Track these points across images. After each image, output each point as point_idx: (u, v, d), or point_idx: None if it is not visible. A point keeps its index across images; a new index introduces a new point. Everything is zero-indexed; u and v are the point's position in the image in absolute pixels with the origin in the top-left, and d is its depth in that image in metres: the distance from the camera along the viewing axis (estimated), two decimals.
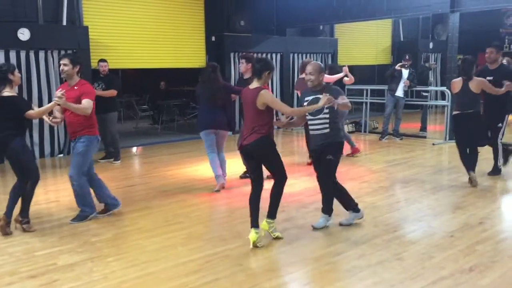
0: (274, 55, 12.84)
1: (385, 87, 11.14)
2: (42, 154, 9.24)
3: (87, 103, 5.28)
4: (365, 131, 11.87)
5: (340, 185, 5.27)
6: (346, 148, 8.27)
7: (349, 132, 11.83)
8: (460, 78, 6.73)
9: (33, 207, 5.94)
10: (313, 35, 14.08)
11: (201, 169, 7.90)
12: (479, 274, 3.97)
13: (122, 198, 6.39)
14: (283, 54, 12.94)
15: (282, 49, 12.94)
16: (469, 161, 6.73)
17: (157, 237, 4.95)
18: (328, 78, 7.57)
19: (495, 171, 7.19)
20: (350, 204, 5.23)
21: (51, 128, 9.26)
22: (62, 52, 9.07)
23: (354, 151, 8.97)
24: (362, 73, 17.47)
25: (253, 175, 4.81)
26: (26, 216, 5.21)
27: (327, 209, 5.16)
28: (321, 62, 13.99)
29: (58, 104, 5.15)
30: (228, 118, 6.70)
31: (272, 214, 4.79)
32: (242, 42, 12.01)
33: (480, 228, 5.11)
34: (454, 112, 6.85)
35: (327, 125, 4.88)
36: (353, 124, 12.24)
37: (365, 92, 12.05)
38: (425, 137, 10.93)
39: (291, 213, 5.63)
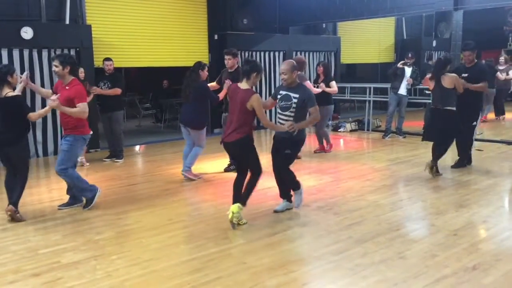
0: (277, 54, 12.83)
1: (388, 85, 11.10)
2: (45, 153, 9.26)
3: (82, 107, 5.52)
4: (368, 130, 11.85)
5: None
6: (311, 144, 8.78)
7: (352, 131, 11.88)
8: (431, 75, 7.12)
9: (37, 206, 5.99)
10: (316, 33, 14.07)
11: (203, 167, 7.91)
12: (483, 272, 3.96)
13: (125, 197, 6.43)
14: (286, 52, 12.92)
15: (285, 48, 12.92)
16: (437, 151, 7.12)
17: (160, 235, 4.96)
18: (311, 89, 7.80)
19: (465, 161, 7.62)
20: (288, 195, 5.62)
21: (54, 127, 9.28)
22: (65, 51, 9.12)
23: (321, 148, 9.20)
24: (365, 71, 17.49)
25: (237, 165, 5.36)
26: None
27: (284, 194, 5.60)
28: (324, 60, 14.00)
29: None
30: (195, 116, 6.98)
31: (244, 201, 5.13)
32: (245, 40, 12.01)
33: (483, 227, 5.10)
34: (431, 106, 7.28)
35: (291, 122, 5.18)
36: (356, 123, 12.24)
37: (368, 90, 12.03)
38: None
39: (293, 211, 5.63)
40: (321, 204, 5.88)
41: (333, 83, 8.93)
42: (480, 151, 8.69)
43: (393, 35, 16.48)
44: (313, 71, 13.67)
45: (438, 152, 7.12)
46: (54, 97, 5.41)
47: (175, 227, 5.21)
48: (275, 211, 5.56)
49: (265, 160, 5.70)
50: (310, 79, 11.23)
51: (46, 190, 6.86)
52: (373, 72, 16.48)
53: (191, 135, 7.13)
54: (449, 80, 6.86)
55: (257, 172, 5.16)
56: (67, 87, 5.57)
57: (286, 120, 5.24)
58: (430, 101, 7.65)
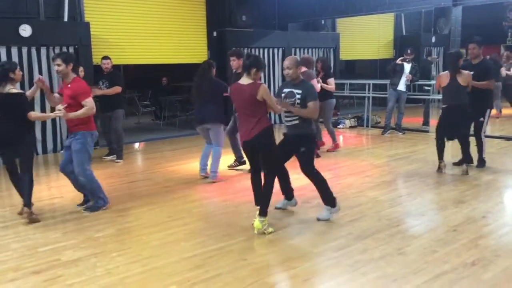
0: (276, 50, 12.82)
1: (387, 81, 11.10)
2: (45, 150, 9.26)
3: (89, 103, 5.42)
4: (367, 126, 11.86)
5: (287, 172, 5.46)
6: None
7: (351, 127, 11.89)
8: (447, 72, 6.94)
9: (37, 204, 5.97)
10: (315, 29, 14.05)
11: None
12: (482, 268, 3.97)
13: (125, 194, 6.43)
14: (285, 49, 12.91)
15: (284, 44, 12.91)
16: (443, 151, 7.10)
17: (160, 232, 4.96)
18: (317, 87, 7.96)
19: (481, 163, 7.40)
20: (288, 194, 5.56)
21: (53, 124, 9.29)
22: (64, 49, 9.11)
23: (336, 146, 9.14)
24: (364, 67, 17.48)
25: (254, 168, 5.11)
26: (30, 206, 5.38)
27: (327, 200, 5.26)
28: (323, 56, 13.98)
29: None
30: (214, 111, 6.81)
31: (265, 211, 4.88)
32: (244, 37, 11.99)
33: (482, 222, 5.11)
34: (443, 106, 7.12)
35: (296, 117, 5.08)
36: (356, 119, 12.24)
37: (367, 86, 12.03)
38: (427, 131, 10.88)
39: (293, 208, 5.63)
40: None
41: (331, 80, 8.89)
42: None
43: (392, 31, 16.47)
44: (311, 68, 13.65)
45: (464, 148, 7.06)
46: (60, 106, 5.31)
47: (175, 224, 5.22)
48: (276, 208, 5.52)
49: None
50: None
51: (45, 188, 6.86)
52: (372, 69, 16.45)
53: (210, 132, 6.90)
54: (465, 77, 6.75)
55: (272, 173, 5.00)
56: (69, 85, 5.47)
57: (292, 116, 5.10)
58: (442, 98, 7.37)
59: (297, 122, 5.09)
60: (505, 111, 12.98)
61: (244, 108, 4.93)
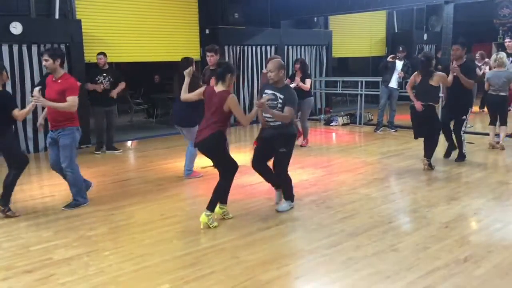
0: (268, 48, 12.80)
1: (379, 79, 11.12)
2: (36, 149, 9.20)
3: (71, 101, 5.44)
4: (360, 123, 11.88)
5: (267, 169, 5.57)
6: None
7: (344, 124, 11.91)
8: (418, 72, 7.23)
9: (28, 202, 5.96)
10: (307, 27, 14.04)
11: (196, 162, 7.88)
12: (474, 264, 4.00)
13: (117, 192, 6.41)
14: (277, 46, 12.90)
15: (276, 42, 12.90)
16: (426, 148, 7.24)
17: (153, 230, 4.95)
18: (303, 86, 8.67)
19: (461, 157, 7.66)
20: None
21: (46, 122, 9.19)
22: (55, 46, 9.06)
23: (307, 142, 9.36)
24: (356, 65, 17.51)
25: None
26: (7, 204, 5.43)
27: (288, 196, 5.49)
28: (316, 54, 14.01)
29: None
30: (187, 114, 6.76)
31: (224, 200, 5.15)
32: (237, 34, 11.97)
33: (474, 219, 5.14)
34: (411, 104, 7.25)
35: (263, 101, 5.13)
36: (348, 116, 12.26)
37: (359, 84, 12.05)
38: None
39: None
40: (314, 198, 5.90)
41: (308, 81, 9.09)
42: (471, 144, 8.74)
43: (384, 28, 16.51)
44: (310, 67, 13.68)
45: (430, 148, 7.19)
46: (35, 92, 5.28)
47: (168, 222, 5.20)
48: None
49: (243, 156, 5.67)
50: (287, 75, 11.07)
51: (37, 187, 6.82)
52: (364, 66, 16.50)
53: (185, 133, 6.98)
54: (437, 78, 6.96)
55: (226, 170, 5.06)
56: (59, 81, 5.50)
57: (271, 119, 5.21)
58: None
59: (280, 122, 5.19)
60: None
61: (208, 110, 5.01)
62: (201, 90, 5.18)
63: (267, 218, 5.22)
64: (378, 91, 11.23)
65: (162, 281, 3.80)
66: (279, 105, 5.17)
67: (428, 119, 7.07)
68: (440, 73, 7.15)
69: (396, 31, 16.48)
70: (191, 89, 5.43)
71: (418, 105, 6.97)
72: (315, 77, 14.00)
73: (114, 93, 8.82)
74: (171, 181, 6.96)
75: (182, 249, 4.43)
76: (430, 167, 7.17)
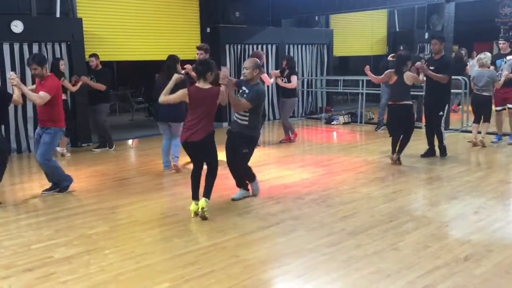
0: (269, 46, 12.80)
1: None
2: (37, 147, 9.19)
3: (41, 96, 5.88)
4: (361, 122, 11.88)
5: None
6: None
7: (345, 123, 11.90)
8: (393, 71, 7.43)
9: (29, 201, 5.96)
10: (308, 26, 14.03)
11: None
12: (474, 263, 3.99)
13: (118, 191, 6.41)
14: (278, 45, 12.90)
15: (277, 40, 12.89)
16: (395, 145, 7.45)
17: (154, 229, 4.95)
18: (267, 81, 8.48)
19: (443, 152, 7.86)
20: (244, 184, 5.88)
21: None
22: (56, 45, 9.10)
23: (287, 138, 9.52)
24: (357, 64, 17.46)
25: (196, 160, 5.42)
26: None
27: (241, 184, 5.86)
28: (317, 53, 14.00)
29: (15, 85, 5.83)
30: (178, 110, 6.85)
31: (209, 195, 5.29)
32: (237, 33, 11.96)
33: (475, 218, 5.13)
34: (389, 103, 7.58)
35: (246, 118, 5.50)
36: (349, 115, 12.26)
37: (360, 83, 12.04)
38: (420, 127, 10.90)
39: (287, 204, 5.64)
40: (314, 197, 5.89)
41: (294, 78, 9.11)
42: (470, 143, 8.75)
43: (386, 27, 16.48)
44: (304, 64, 13.69)
45: (404, 145, 7.41)
46: (13, 74, 5.82)
47: (168, 221, 5.20)
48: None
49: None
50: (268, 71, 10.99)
51: (38, 185, 6.81)
52: (365, 65, 16.42)
53: (171, 129, 7.20)
54: (408, 77, 7.23)
55: (216, 165, 5.35)
56: (42, 82, 5.95)
57: (242, 116, 5.50)
58: (389, 95, 7.91)
59: (246, 123, 5.50)
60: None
61: (197, 109, 5.10)
62: (184, 91, 5.21)
63: (267, 217, 5.22)
64: (379, 90, 11.22)
65: (163, 280, 3.79)
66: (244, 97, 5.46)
67: (406, 118, 7.30)
68: (409, 73, 7.33)
69: (397, 30, 16.44)
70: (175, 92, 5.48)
71: (374, 79, 7.69)
72: (316, 76, 14.01)
73: (84, 78, 8.87)
74: (171, 180, 6.96)
75: (183, 248, 4.43)
76: (399, 161, 7.39)
